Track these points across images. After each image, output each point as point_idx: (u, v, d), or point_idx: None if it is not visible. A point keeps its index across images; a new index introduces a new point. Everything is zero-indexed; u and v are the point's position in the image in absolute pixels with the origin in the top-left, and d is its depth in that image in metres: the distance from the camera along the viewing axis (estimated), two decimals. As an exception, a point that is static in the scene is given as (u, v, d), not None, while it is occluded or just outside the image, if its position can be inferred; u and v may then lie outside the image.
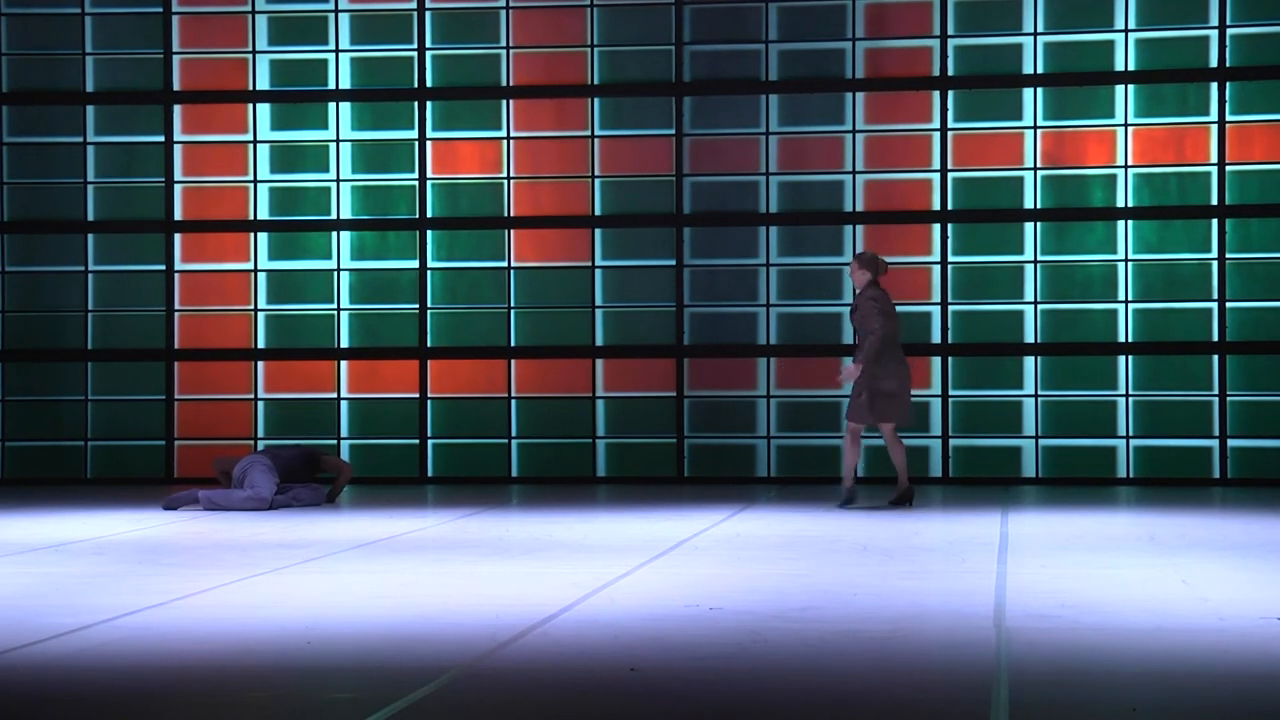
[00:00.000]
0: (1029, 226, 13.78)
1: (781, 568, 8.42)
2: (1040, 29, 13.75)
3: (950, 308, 13.83)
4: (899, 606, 7.10)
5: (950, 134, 13.82)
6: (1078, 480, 13.62)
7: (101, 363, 14.31)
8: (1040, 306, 13.76)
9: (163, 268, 14.30)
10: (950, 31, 13.83)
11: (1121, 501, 12.43)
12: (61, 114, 14.33)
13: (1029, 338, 13.78)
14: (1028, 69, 13.77)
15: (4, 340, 14.37)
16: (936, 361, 13.84)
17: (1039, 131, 13.76)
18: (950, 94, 13.82)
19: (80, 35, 14.32)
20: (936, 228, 13.86)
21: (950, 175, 13.84)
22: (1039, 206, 13.77)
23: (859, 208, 13.90)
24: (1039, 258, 13.76)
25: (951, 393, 13.82)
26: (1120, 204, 13.71)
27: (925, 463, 13.81)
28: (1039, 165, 13.77)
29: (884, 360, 11.54)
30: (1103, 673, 5.73)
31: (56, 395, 14.35)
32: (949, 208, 13.84)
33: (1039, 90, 13.74)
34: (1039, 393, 13.74)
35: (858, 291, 11.71)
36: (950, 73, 13.83)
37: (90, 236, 14.31)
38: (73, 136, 14.32)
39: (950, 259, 13.83)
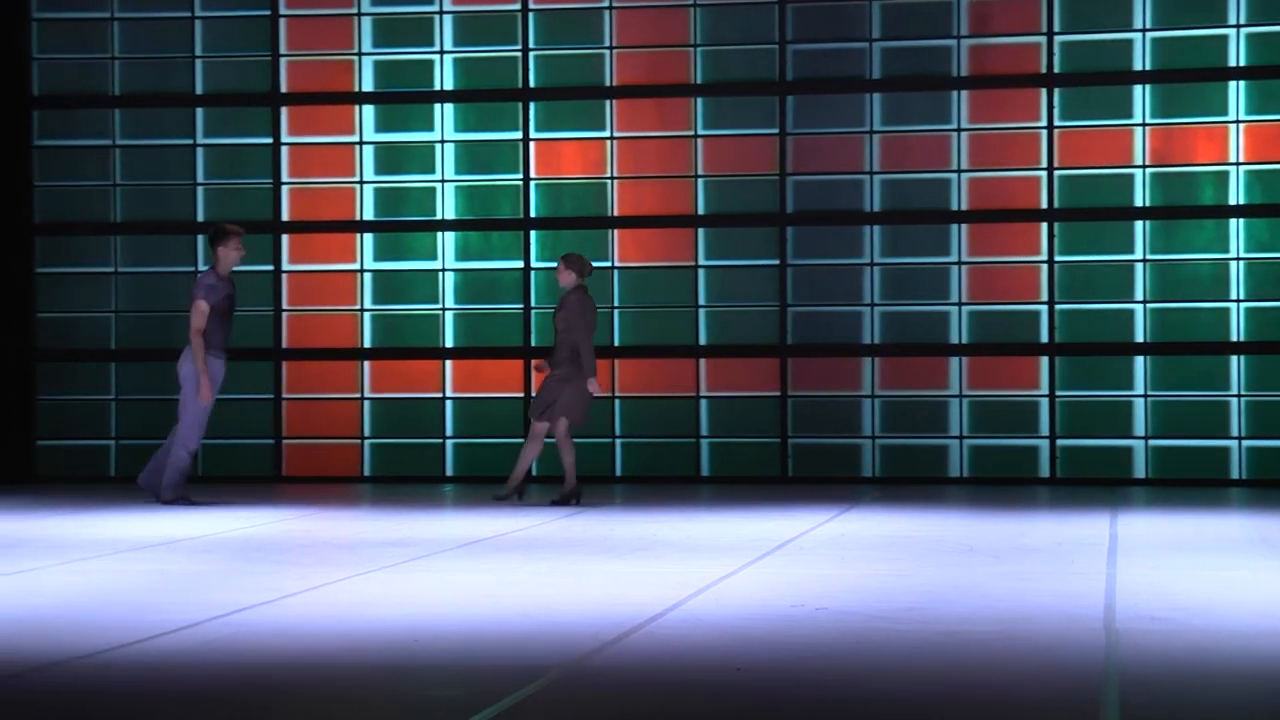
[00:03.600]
0: (1137, 225, 13.62)
1: (886, 568, 8.37)
2: (1149, 25, 13.59)
3: (1057, 307, 13.70)
4: (1006, 608, 7.04)
5: (1057, 132, 13.69)
6: (1188, 481, 13.44)
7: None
8: (1149, 305, 13.60)
9: (270, 268, 14.45)
10: (1057, 28, 13.69)
11: (1233, 503, 12.26)
12: (172, 117, 14.51)
13: (1138, 337, 13.62)
14: (1136, 65, 13.61)
15: (118, 340, 14.58)
16: (1043, 362, 13.72)
17: (1147, 129, 13.59)
18: (1057, 91, 13.69)
19: (190, 38, 14.49)
20: (1043, 226, 13.73)
21: (1057, 173, 13.70)
22: (1147, 204, 13.61)
23: (963, 206, 13.80)
24: (1148, 256, 13.60)
25: (1059, 393, 13.68)
26: (1231, 201, 13.52)
27: (1033, 464, 13.69)
28: (1147, 163, 13.60)
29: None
30: (1214, 675, 5.65)
31: (167, 395, 14.53)
32: (1055, 206, 13.71)
33: (1147, 87, 13.58)
34: (1148, 393, 13.58)
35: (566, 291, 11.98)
36: (1057, 70, 13.70)
37: (199, 238, 14.48)
38: (183, 139, 14.50)
39: (1057, 258, 13.70)
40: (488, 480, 14.03)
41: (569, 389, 11.92)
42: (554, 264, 14.13)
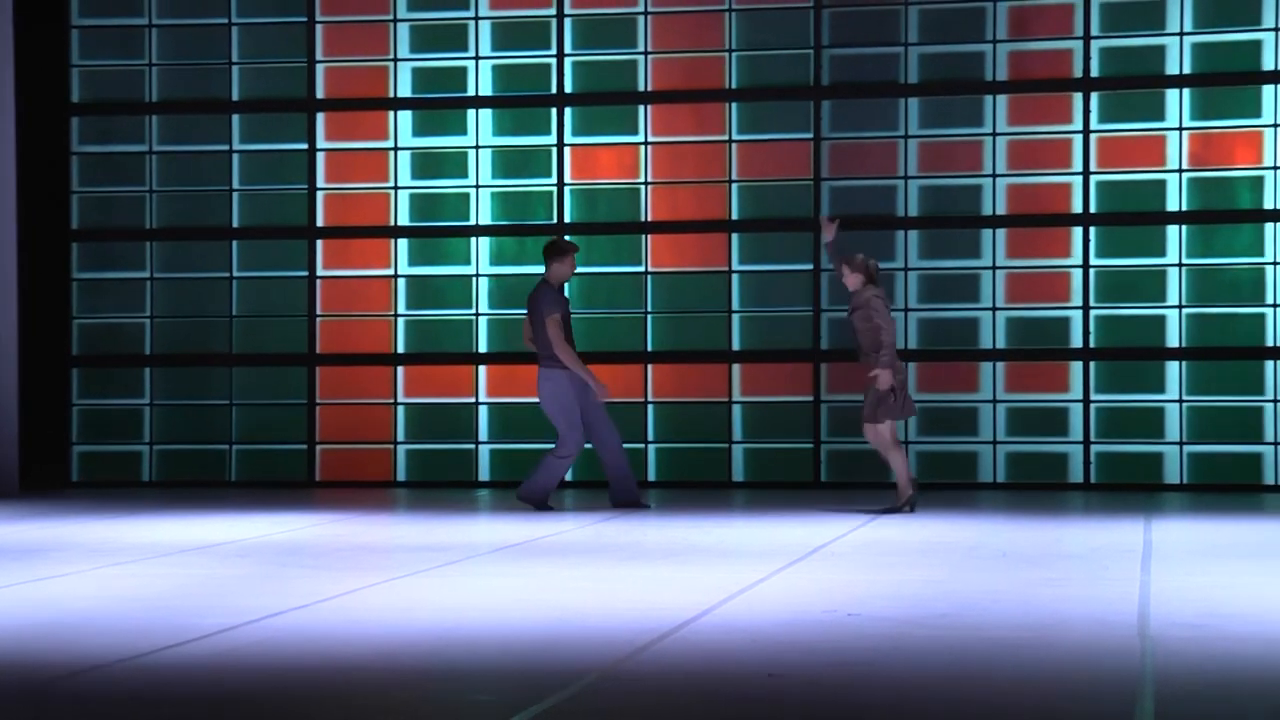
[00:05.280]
0: (1173, 229, 13.57)
1: (920, 573, 8.35)
2: (1186, 29, 13.53)
3: (1092, 311, 13.65)
4: (1041, 614, 7.02)
5: (1093, 136, 13.65)
6: (1224, 486, 13.38)
7: (246, 367, 14.54)
8: (1185, 310, 13.55)
9: (305, 273, 14.50)
10: (1094, 32, 13.65)
11: (1270, 509, 12.19)
12: (209, 123, 14.58)
13: (1173, 342, 13.56)
14: (1173, 69, 13.56)
15: (153, 345, 14.65)
16: (1078, 366, 13.67)
17: (1184, 133, 13.54)
18: (1094, 95, 13.64)
19: (228, 45, 14.56)
20: (1079, 231, 13.69)
21: (1093, 178, 13.66)
22: (1184, 209, 13.55)
23: (1000, 211, 13.76)
24: (1184, 261, 13.54)
25: (1094, 397, 13.63)
26: (1268, 206, 13.45)
27: (1066, 468, 13.64)
28: (1184, 167, 13.55)
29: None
30: (1249, 683, 5.62)
31: (202, 399, 14.60)
32: (1091, 211, 13.66)
33: (1184, 91, 13.53)
34: (1183, 398, 13.52)
35: (854, 292, 11.66)
36: (1094, 74, 13.65)
37: (235, 243, 14.54)
38: (220, 144, 14.56)
39: (1093, 262, 13.65)
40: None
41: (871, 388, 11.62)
42: (592, 269, 14.14)
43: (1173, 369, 13.56)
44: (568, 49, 14.26)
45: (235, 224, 14.55)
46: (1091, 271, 13.66)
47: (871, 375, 11.52)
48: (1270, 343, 13.44)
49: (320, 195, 14.51)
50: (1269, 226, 13.46)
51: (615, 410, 14.09)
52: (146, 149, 14.62)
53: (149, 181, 14.63)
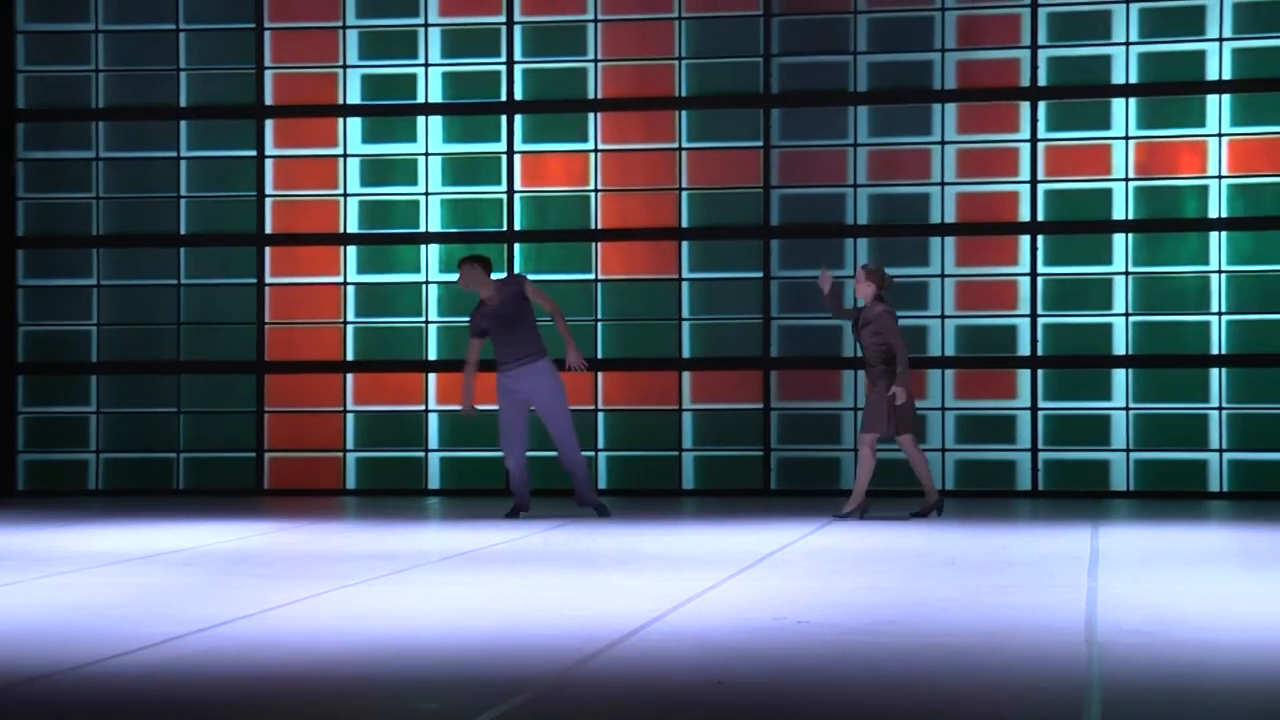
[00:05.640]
0: (1120, 238, 13.66)
1: (869, 581, 8.38)
2: (1132, 38, 13.63)
3: (1040, 320, 13.73)
4: (988, 621, 7.05)
5: (1041, 145, 13.72)
6: (1169, 494, 13.47)
7: (193, 375, 14.46)
8: (1131, 318, 13.64)
9: (254, 281, 14.43)
10: (1041, 42, 13.73)
11: (1215, 516, 12.28)
12: (156, 129, 14.50)
13: (1119, 350, 13.65)
14: (1119, 79, 13.65)
15: (100, 353, 14.55)
16: (1026, 374, 13.74)
17: (1130, 142, 13.63)
18: (1041, 104, 13.72)
19: (175, 51, 14.49)
20: (1026, 239, 13.76)
21: (1040, 186, 13.74)
22: (1130, 217, 13.65)
23: (948, 219, 13.83)
24: (1130, 269, 13.63)
25: (1041, 405, 13.70)
26: (1214, 215, 13.56)
27: (1014, 475, 13.70)
28: (1130, 176, 13.64)
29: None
30: (1196, 689, 5.66)
31: (150, 407, 14.51)
32: (1039, 219, 13.74)
33: (1130, 100, 13.62)
34: (1130, 405, 13.61)
35: (865, 305, 11.68)
36: (1041, 83, 13.73)
37: (183, 250, 14.47)
38: (167, 151, 14.49)
39: (1040, 270, 13.73)
40: (471, 494, 14.02)
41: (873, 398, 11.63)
42: (542, 276, 14.13)
43: (1119, 377, 13.65)
44: (517, 56, 14.25)
45: (183, 231, 14.48)
46: (1039, 279, 13.73)
47: (891, 393, 11.52)
48: (1215, 351, 13.54)
49: (269, 202, 14.46)
50: (1213, 235, 13.56)
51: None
52: (93, 155, 14.53)
53: (96, 188, 14.54)
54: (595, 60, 14.18)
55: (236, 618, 7.16)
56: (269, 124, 14.45)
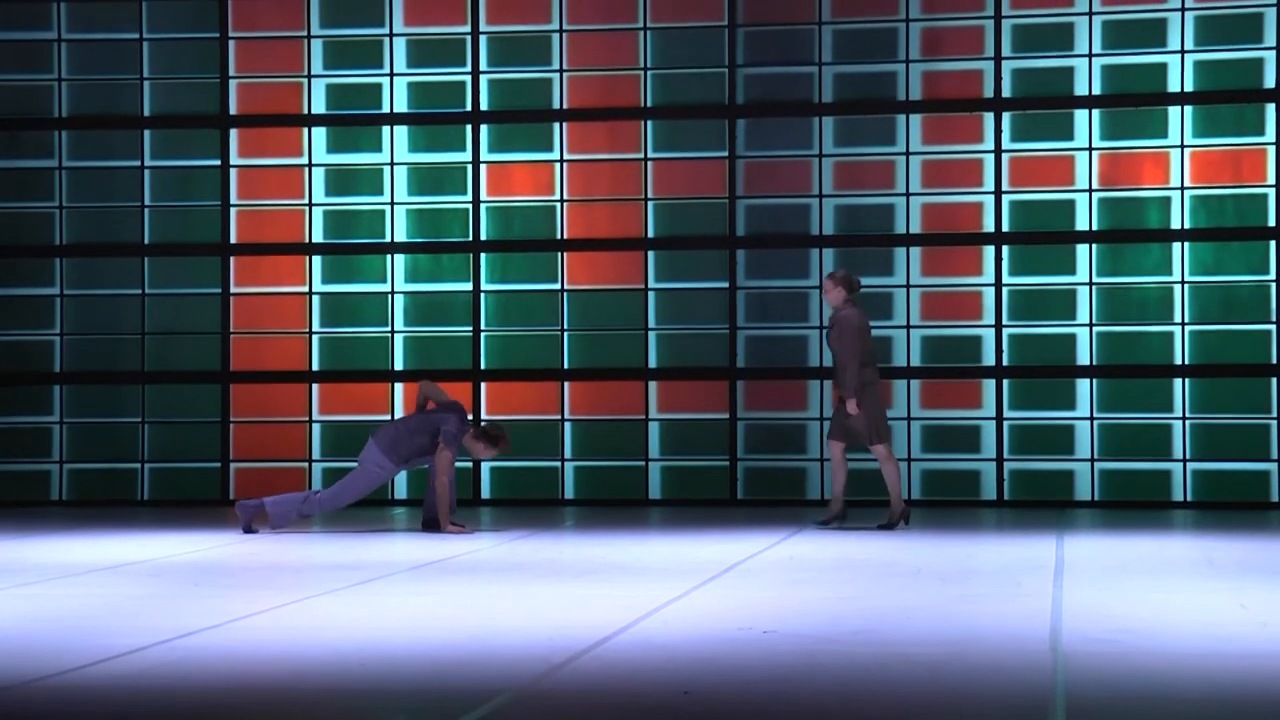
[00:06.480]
0: (1083, 248, 13.72)
1: (835, 590, 8.39)
2: (1095, 50, 13.70)
3: (1005, 330, 13.78)
4: (954, 630, 7.07)
5: (1005, 156, 13.78)
6: (1134, 504, 13.53)
7: (157, 385, 14.41)
8: (1095, 329, 13.70)
9: (218, 291, 14.39)
10: (1005, 53, 13.79)
11: (1178, 525, 12.34)
12: (119, 138, 14.45)
13: (1084, 360, 13.71)
14: (1082, 90, 13.72)
15: (63, 363, 14.49)
16: (990, 384, 13.79)
17: (1094, 153, 13.70)
18: (1005, 115, 13.78)
19: (139, 60, 14.44)
20: (990, 250, 13.81)
21: (1005, 197, 13.79)
22: (1094, 228, 13.71)
23: (913, 230, 13.87)
24: (1094, 280, 13.70)
25: (1006, 415, 13.75)
26: (1176, 226, 13.63)
27: (979, 485, 13.75)
28: (1094, 187, 13.71)
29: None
30: (1160, 698, 5.68)
31: (113, 417, 14.45)
32: (1004, 229, 13.79)
33: (1094, 112, 13.69)
34: (1094, 415, 13.67)
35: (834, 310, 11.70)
36: (1005, 94, 13.79)
37: (146, 260, 14.42)
38: (130, 160, 14.44)
39: (1005, 281, 13.78)
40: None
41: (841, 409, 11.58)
42: (507, 286, 14.14)
43: (1083, 386, 13.71)
44: (483, 66, 14.25)
45: (146, 240, 14.43)
46: (1004, 290, 13.79)
47: (844, 403, 11.53)
48: (1178, 361, 13.61)
49: (233, 212, 14.42)
50: (1175, 246, 13.64)
51: (532, 427, 14.07)
52: (56, 164, 14.48)
53: (58, 197, 14.48)
54: (560, 70, 14.19)
55: (203, 628, 7.13)
56: (234, 133, 14.41)
